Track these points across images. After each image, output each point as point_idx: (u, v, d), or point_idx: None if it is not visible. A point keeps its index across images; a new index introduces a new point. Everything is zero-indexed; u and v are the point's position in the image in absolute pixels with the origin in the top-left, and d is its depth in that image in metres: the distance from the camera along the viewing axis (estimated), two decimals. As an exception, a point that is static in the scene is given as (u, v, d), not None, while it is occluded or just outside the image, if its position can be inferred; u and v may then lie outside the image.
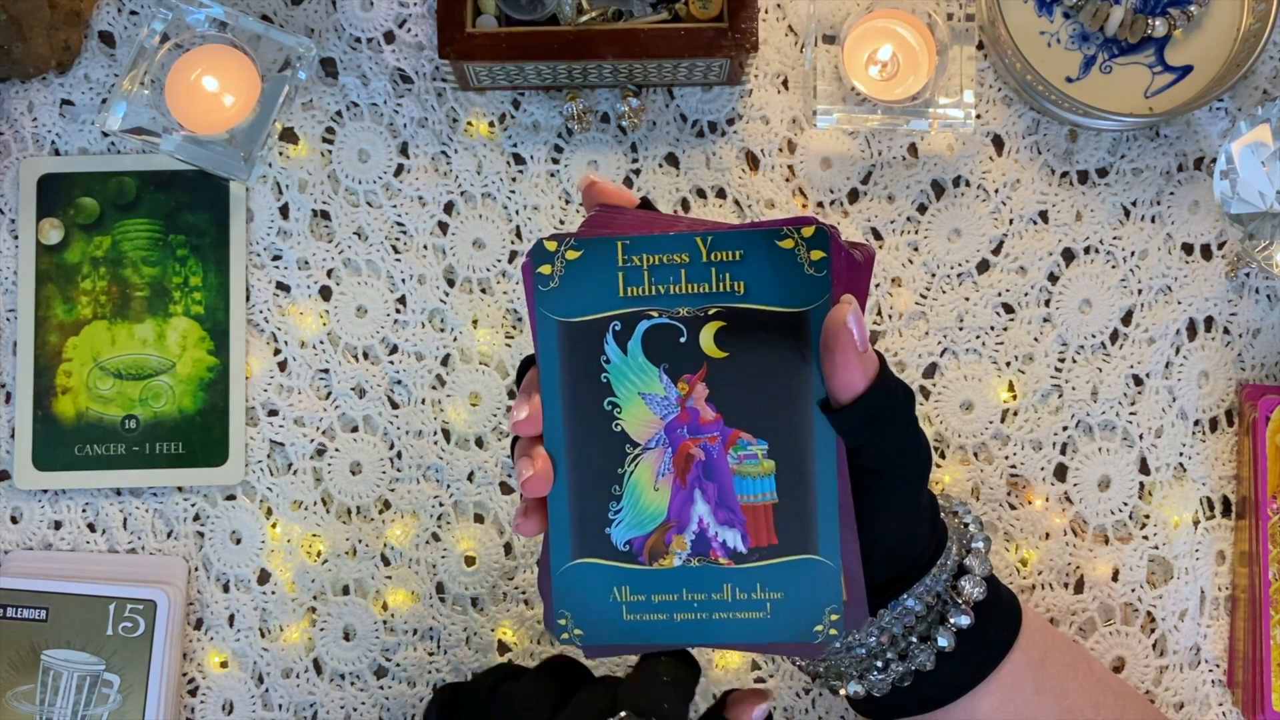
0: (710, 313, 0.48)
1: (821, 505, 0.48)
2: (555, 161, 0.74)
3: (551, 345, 0.49)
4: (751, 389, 0.48)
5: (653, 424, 0.49)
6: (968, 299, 0.73)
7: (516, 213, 0.74)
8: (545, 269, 0.48)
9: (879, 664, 0.53)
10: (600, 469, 0.49)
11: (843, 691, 0.55)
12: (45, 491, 0.73)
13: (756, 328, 0.48)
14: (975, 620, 0.53)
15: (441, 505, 0.73)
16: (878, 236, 0.74)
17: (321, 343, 0.74)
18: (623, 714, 0.50)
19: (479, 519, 0.73)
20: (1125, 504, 0.73)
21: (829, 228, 0.47)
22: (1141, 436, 0.73)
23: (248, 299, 0.73)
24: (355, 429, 0.73)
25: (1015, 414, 0.73)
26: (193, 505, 0.73)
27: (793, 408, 0.48)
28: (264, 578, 0.73)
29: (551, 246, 0.48)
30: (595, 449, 0.49)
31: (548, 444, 0.49)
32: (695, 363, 0.48)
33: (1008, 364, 0.73)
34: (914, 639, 0.53)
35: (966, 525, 0.55)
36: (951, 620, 0.52)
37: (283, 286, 0.74)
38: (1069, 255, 0.74)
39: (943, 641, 0.52)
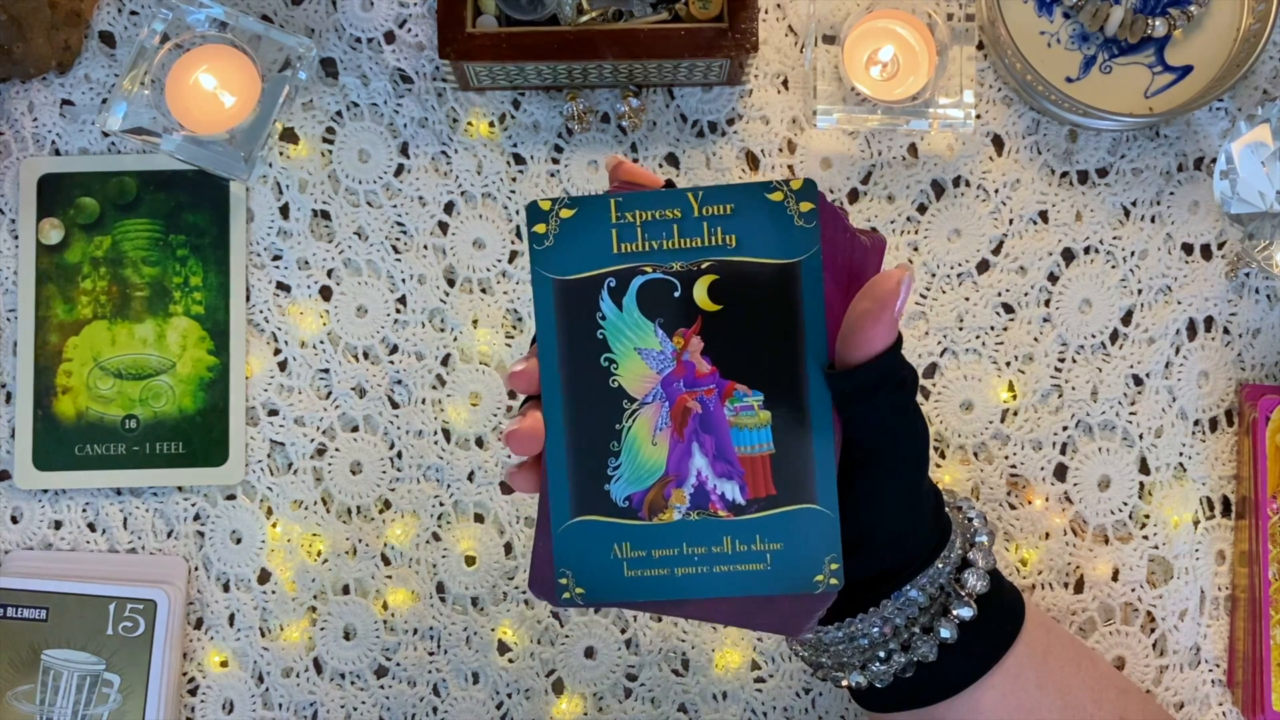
0: (703, 266, 0.48)
1: (819, 455, 0.48)
2: (555, 161, 0.74)
3: (548, 303, 0.49)
4: (746, 341, 0.48)
5: (649, 379, 0.49)
6: (968, 299, 0.73)
7: (516, 213, 0.74)
8: (540, 228, 0.49)
9: (881, 654, 0.53)
10: (598, 425, 0.49)
11: (845, 682, 0.55)
12: (45, 491, 0.73)
13: (749, 280, 0.48)
14: (978, 613, 0.53)
15: (441, 505, 0.73)
16: (878, 236, 0.74)
17: (321, 343, 0.74)
18: None
19: (479, 519, 0.73)
20: (1125, 504, 0.73)
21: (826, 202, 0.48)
22: (1141, 436, 0.73)
23: (248, 299, 0.74)
24: (355, 429, 0.73)
25: (1015, 414, 0.73)
26: (193, 505, 0.73)
27: (787, 358, 0.48)
28: (264, 577, 0.73)
29: (545, 206, 0.49)
30: (593, 405, 0.49)
31: (545, 401, 0.49)
32: (690, 316, 0.49)
33: (1008, 364, 0.73)
34: (916, 630, 0.53)
35: (971, 520, 0.56)
36: (954, 612, 0.53)
37: (283, 286, 0.74)
38: (1069, 255, 0.74)
39: (945, 633, 0.52)
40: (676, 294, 0.49)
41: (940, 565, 0.52)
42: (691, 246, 0.48)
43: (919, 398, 0.72)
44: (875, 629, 0.53)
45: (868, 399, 0.48)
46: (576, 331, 0.49)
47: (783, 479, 0.48)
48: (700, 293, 0.49)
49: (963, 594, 0.53)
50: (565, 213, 0.49)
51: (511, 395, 0.73)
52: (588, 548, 0.49)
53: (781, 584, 0.49)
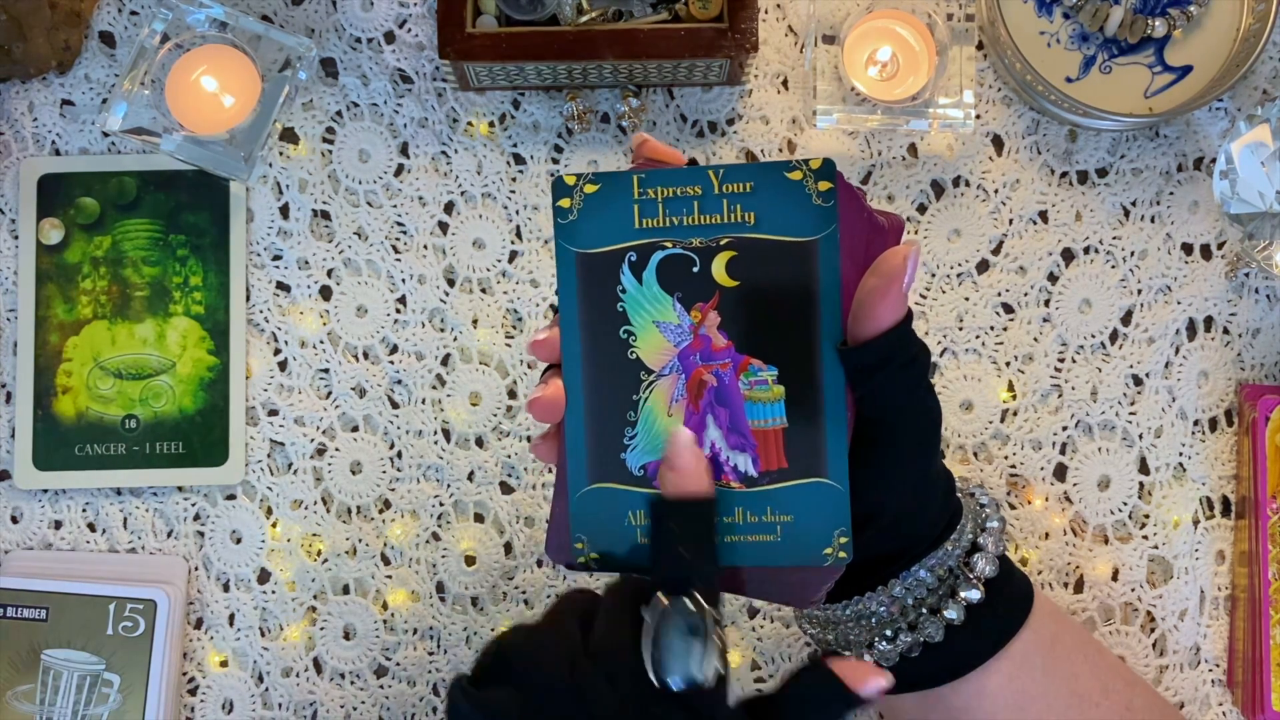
0: (722, 243, 0.49)
1: (830, 429, 0.49)
2: (555, 161, 0.74)
3: (570, 276, 0.50)
4: (762, 316, 0.49)
5: (667, 351, 0.50)
6: (968, 299, 0.73)
7: (516, 213, 0.74)
8: (564, 202, 0.50)
9: (888, 634, 0.54)
10: (616, 396, 0.50)
11: None
12: (45, 491, 0.73)
13: (766, 257, 0.49)
14: (986, 597, 0.53)
15: (441, 505, 0.73)
16: (878, 236, 0.74)
17: (321, 342, 0.74)
18: (659, 603, 0.46)
19: (479, 519, 0.73)
20: (1125, 504, 0.73)
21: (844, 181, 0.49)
22: (1141, 436, 0.73)
23: (248, 299, 0.74)
24: (355, 429, 0.73)
25: (1015, 414, 0.73)
26: (193, 505, 0.73)
27: (802, 334, 0.49)
28: (264, 577, 0.73)
29: (570, 181, 0.50)
30: (611, 376, 0.50)
31: (565, 371, 0.50)
32: (708, 291, 0.50)
33: (1008, 364, 0.73)
34: (924, 611, 0.53)
35: (983, 506, 0.56)
36: (962, 594, 0.53)
37: (283, 286, 0.74)
38: (1069, 255, 0.74)
39: (951, 614, 0.53)
40: (695, 269, 0.50)
41: (949, 547, 0.53)
42: (711, 223, 0.49)
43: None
44: (883, 608, 0.53)
45: (878, 374, 0.48)
46: (597, 304, 0.50)
47: (795, 453, 0.49)
48: (719, 268, 0.49)
49: (971, 577, 0.53)
50: (589, 188, 0.50)
51: (511, 395, 0.73)
52: (603, 514, 0.50)
53: (791, 556, 0.49)
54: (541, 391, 0.50)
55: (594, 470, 0.50)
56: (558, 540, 0.52)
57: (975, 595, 0.53)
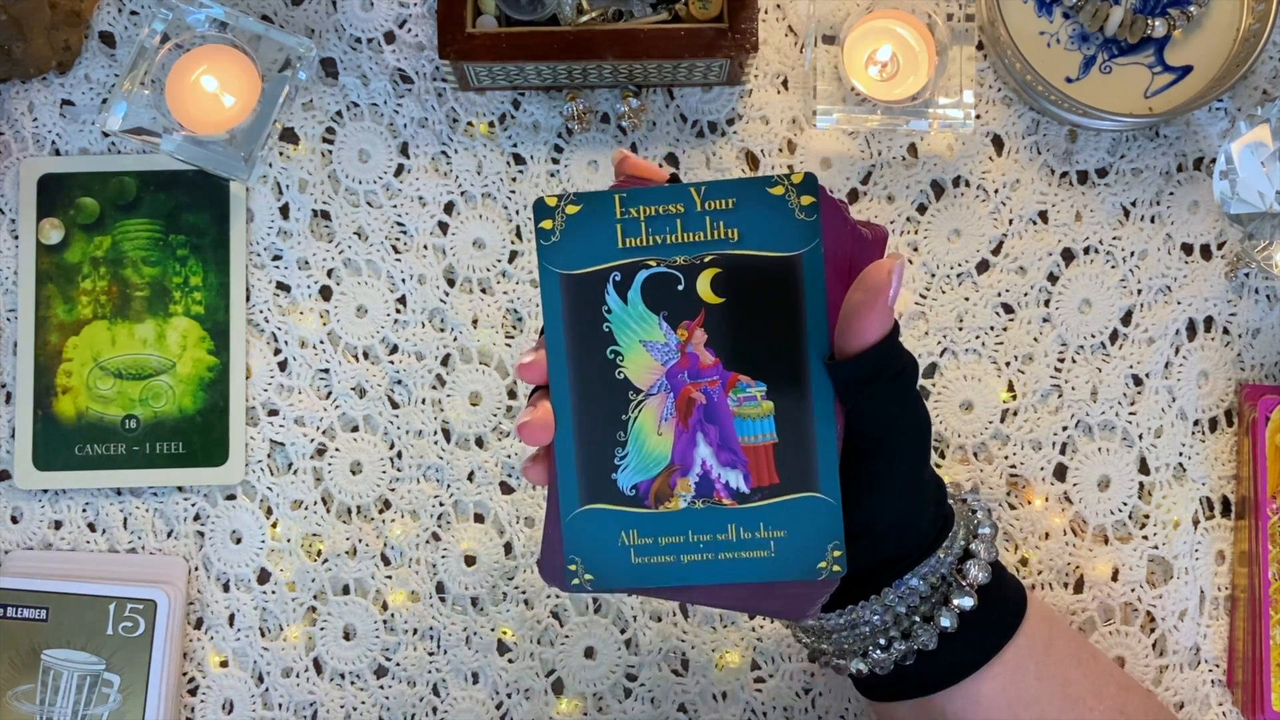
0: (706, 260, 0.49)
1: (821, 443, 0.49)
2: (555, 161, 0.74)
3: (555, 298, 0.50)
4: (748, 332, 0.49)
5: (654, 370, 0.50)
6: (967, 299, 0.73)
7: (516, 213, 0.74)
8: (546, 224, 0.50)
9: (882, 642, 0.54)
10: (605, 416, 0.50)
11: (847, 670, 0.56)
12: (45, 491, 0.73)
13: (751, 273, 0.49)
14: (979, 604, 0.53)
15: (441, 505, 0.73)
16: (878, 236, 0.74)
17: (321, 343, 0.74)
18: None
19: (479, 519, 0.73)
20: (1125, 504, 0.73)
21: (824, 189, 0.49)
22: (1141, 436, 0.73)
23: (248, 299, 0.74)
24: (355, 429, 0.73)
25: (1015, 414, 0.73)
26: (193, 505, 0.73)
27: (789, 349, 0.49)
28: (264, 577, 0.73)
29: (552, 202, 0.50)
30: (599, 397, 0.50)
31: (553, 393, 0.50)
32: (693, 309, 0.50)
33: (1007, 364, 0.73)
34: (917, 619, 0.53)
35: (975, 512, 0.56)
36: (955, 602, 0.53)
37: (283, 286, 0.74)
38: (1069, 255, 0.74)
39: (945, 622, 0.53)
40: (680, 287, 0.49)
41: (942, 555, 0.53)
42: (694, 240, 0.49)
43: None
44: (876, 616, 0.53)
45: (866, 388, 0.48)
46: (583, 325, 0.50)
47: (786, 468, 0.49)
48: (703, 286, 0.49)
49: (964, 584, 0.53)
50: (571, 209, 0.50)
51: (511, 395, 0.73)
52: (596, 535, 0.50)
53: (785, 570, 0.49)
54: (530, 415, 0.50)
55: (585, 492, 0.50)
56: (551, 563, 0.52)
57: (968, 602, 0.53)
